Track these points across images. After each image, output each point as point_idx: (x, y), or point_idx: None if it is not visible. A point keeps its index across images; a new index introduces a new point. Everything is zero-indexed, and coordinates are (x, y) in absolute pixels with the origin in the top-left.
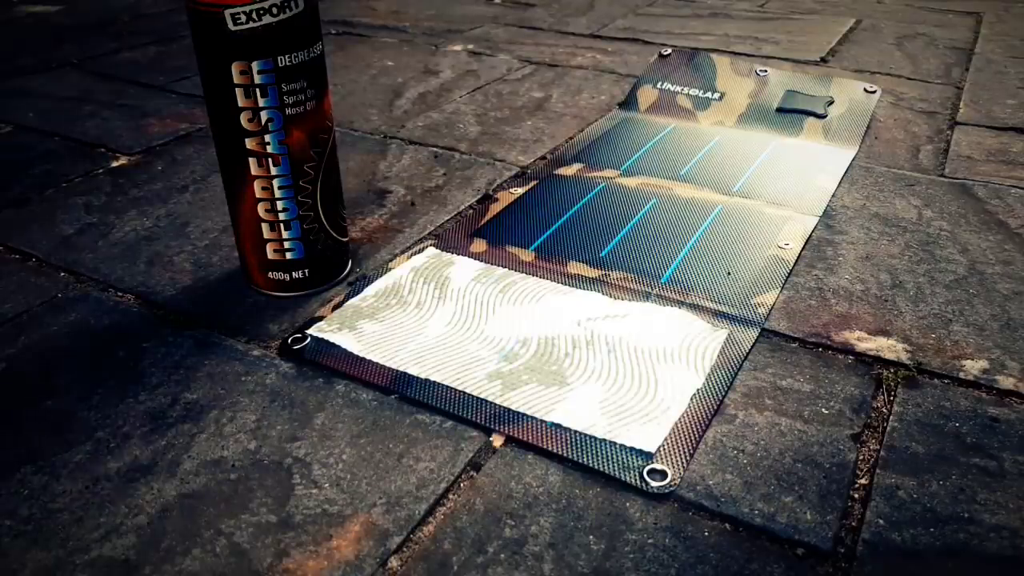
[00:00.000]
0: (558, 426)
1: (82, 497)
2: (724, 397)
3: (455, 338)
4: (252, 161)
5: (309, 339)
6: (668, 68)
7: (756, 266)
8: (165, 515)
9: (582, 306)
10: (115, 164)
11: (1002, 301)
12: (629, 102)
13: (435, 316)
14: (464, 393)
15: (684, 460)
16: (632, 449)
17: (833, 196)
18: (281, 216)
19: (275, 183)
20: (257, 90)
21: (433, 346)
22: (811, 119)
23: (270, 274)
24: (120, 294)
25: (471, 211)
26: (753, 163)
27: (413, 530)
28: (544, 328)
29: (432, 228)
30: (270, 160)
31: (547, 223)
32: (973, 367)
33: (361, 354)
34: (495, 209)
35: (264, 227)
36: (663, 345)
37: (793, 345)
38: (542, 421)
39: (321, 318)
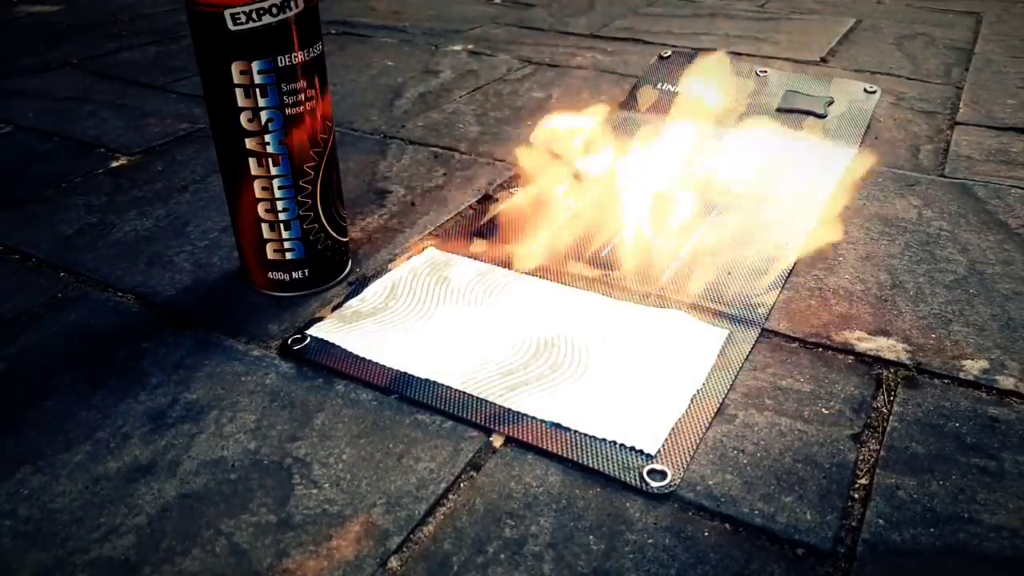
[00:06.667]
0: (558, 426)
1: (82, 497)
2: (724, 397)
3: (455, 338)
4: (252, 161)
5: (309, 339)
6: (668, 69)
7: (756, 266)
8: (165, 515)
9: (582, 306)
10: (115, 164)
11: (1002, 301)
12: (629, 102)
13: (435, 316)
14: (464, 393)
15: (684, 460)
16: (632, 449)
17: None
18: (281, 216)
19: (275, 183)
20: (257, 90)
21: (433, 346)
22: (811, 119)
23: (270, 274)
24: (120, 294)
25: (471, 211)
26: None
27: (413, 530)
28: (544, 328)
29: (432, 228)
30: (270, 160)
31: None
32: (973, 367)
33: (361, 354)
34: (495, 209)
35: (264, 227)
36: (663, 345)
37: (793, 345)
38: (542, 421)
39: (321, 318)
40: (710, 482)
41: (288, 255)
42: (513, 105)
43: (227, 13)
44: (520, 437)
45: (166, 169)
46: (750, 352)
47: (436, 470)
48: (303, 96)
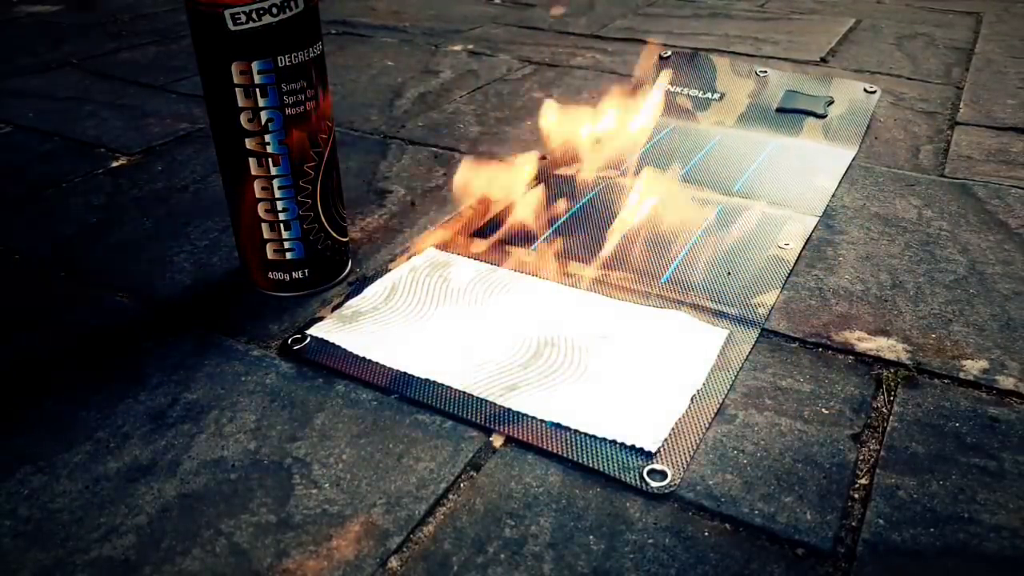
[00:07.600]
0: (558, 426)
1: (82, 497)
2: (724, 397)
3: (455, 338)
4: (252, 161)
5: (309, 339)
6: (668, 69)
7: (756, 266)
8: (165, 515)
9: (582, 306)
10: (115, 164)
11: (1002, 301)
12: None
13: (435, 316)
14: (464, 393)
15: (684, 460)
16: (632, 449)
17: (833, 196)
18: (281, 216)
19: (275, 183)
20: (257, 90)
21: (433, 346)
22: (811, 119)
23: (270, 274)
24: (120, 294)
25: (471, 211)
26: (753, 163)
27: (413, 530)
28: (544, 328)
29: (432, 228)
30: (270, 160)
31: (547, 223)
32: (973, 367)
33: (361, 354)
34: (495, 209)
35: (264, 227)
36: (663, 345)
37: (793, 345)
38: (542, 421)
39: (321, 318)
40: (710, 482)
41: (288, 255)
42: (513, 105)
43: (227, 13)
44: (520, 437)
45: (166, 169)
46: (750, 352)
47: (436, 470)
48: (303, 96)
